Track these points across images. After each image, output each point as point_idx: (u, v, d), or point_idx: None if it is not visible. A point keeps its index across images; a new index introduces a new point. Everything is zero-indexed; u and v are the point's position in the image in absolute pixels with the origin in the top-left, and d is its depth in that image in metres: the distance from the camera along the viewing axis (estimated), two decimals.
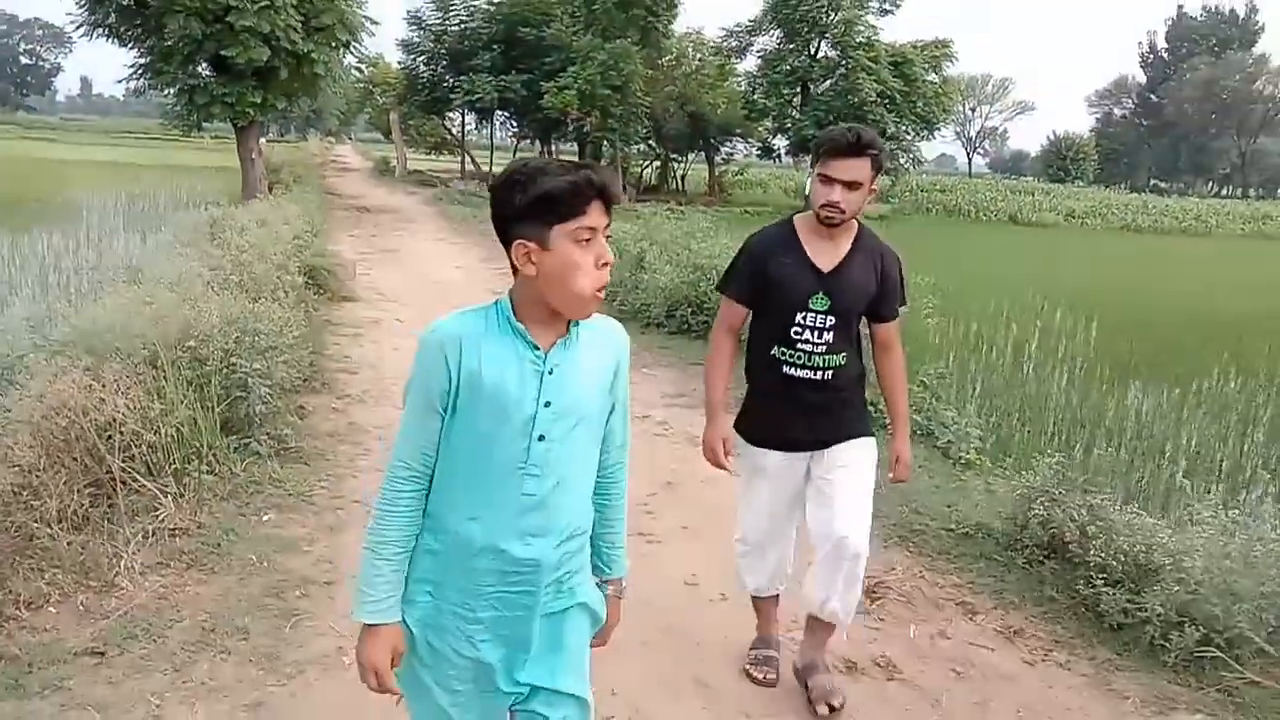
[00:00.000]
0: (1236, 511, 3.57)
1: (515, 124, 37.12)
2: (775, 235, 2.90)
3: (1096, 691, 3.15)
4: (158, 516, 3.83)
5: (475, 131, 40.73)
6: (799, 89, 33.42)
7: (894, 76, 30.75)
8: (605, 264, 1.68)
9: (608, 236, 1.70)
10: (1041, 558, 3.92)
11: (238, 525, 3.98)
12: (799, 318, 2.78)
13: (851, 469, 2.85)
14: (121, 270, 8.23)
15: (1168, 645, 3.23)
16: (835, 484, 2.83)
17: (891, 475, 2.98)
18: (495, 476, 1.70)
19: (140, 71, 19.07)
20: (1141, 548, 3.46)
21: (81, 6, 18.30)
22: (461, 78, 32.85)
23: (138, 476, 3.99)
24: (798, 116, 32.66)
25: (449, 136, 40.52)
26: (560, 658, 1.81)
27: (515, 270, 1.70)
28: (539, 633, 1.78)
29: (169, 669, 2.96)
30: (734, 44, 34.85)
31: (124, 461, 3.95)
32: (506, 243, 1.68)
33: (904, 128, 32.99)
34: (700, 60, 36.15)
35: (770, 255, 2.84)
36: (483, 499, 1.71)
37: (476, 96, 32.09)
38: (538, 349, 1.70)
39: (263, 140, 23.48)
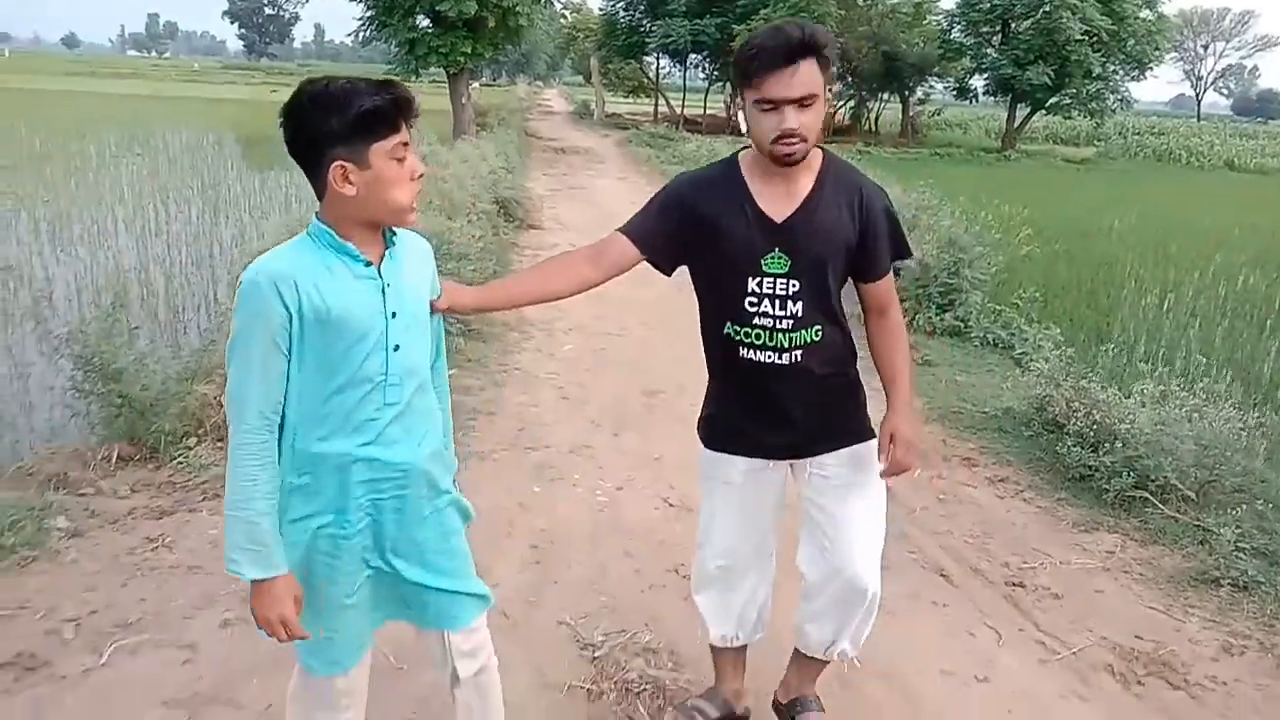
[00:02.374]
0: (1178, 387, 4.38)
1: (709, 66, 37.89)
2: (712, 175, 2.21)
3: (1043, 517, 4.10)
4: None
5: (671, 74, 41.85)
6: (999, 27, 32.56)
7: (1101, 14, 29.41)
8: (418, 175, 1.73)
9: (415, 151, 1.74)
10: (1044, 431, 4.81)
11: None
12: (751, 284, 2.11)
13: (850, 491, 2.26)
14: None
15: (1108, 489, 4.13)
16: (833, 516, 2.26)
17: (884, 463, 2.19)
18: (357, 395, 1.73)
19: (367, 24, 21.38)
20: (1107, 418, 4.32)
21: None
22: (658, 22, 34.05)
23: None
24: (996, 55, 31.94)
25: (645, 80, 41.90)
26: (449, 561, 1.90)
27: (321, 194, 1.69)
28: (428, 537, 1.87)
29: None
30: None
31: None
32: (318, 164, 1.65)
33: (1112, 67, 31.59)
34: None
35: (700, 199, 2.15)
36: (346, 418, 1.73)
37: (671, 40, 33.19)
38: (369, 264, 1.73)
39: (474, 85, 25.62)
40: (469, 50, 20.18)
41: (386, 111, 1.64)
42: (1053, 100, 31.98)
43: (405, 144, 1.68)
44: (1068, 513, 4.13)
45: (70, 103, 30.51)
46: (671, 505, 4.04)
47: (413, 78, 23.13)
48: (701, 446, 2.37)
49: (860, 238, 2.12)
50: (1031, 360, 6.50)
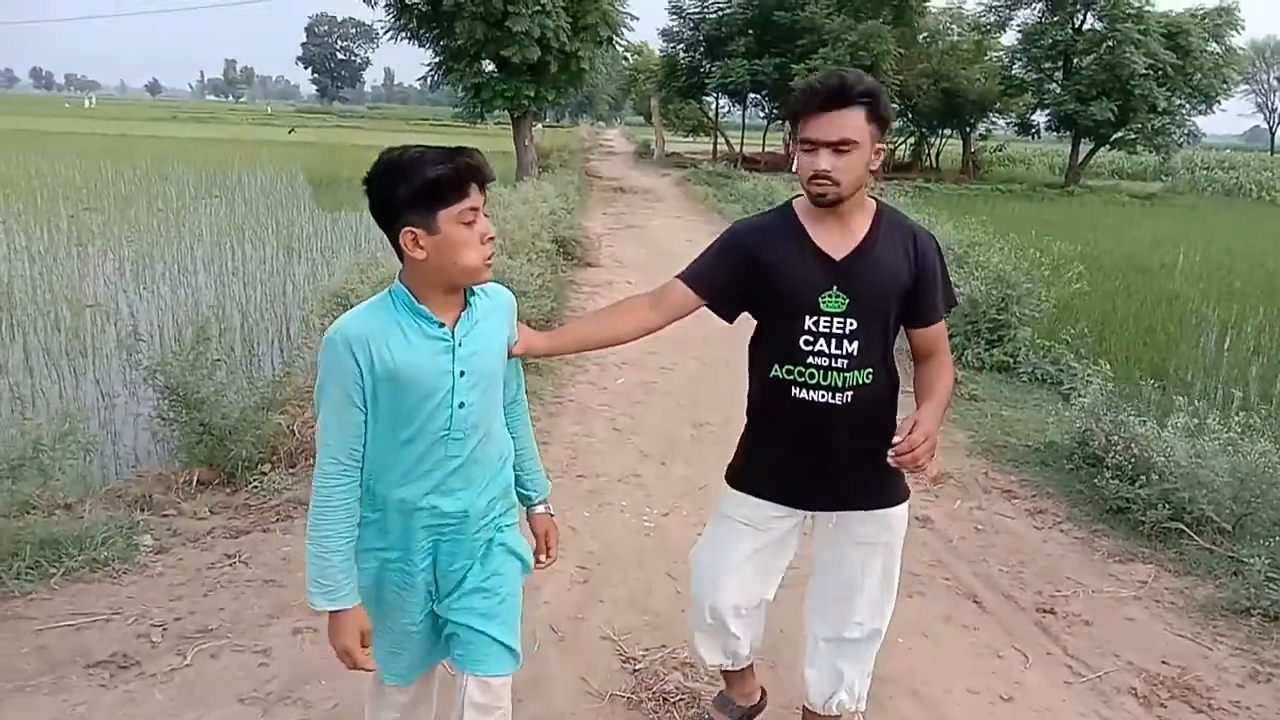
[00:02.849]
0: (1214, 422, 4.43)
1: (767, 105, 38.21)
2: (769, 220, 2.27)
3: (1079, 547, 4.18)
4: None
5: (730, 112, 42.26)
6: (1061, 62, 32.38)
7: (1167, 48, 29.07)
8: (489, 238, 1.80)
9: (486, 214, 1.81)
10: (1084, 464, 4.88)
11: None
12: (808, 323, 2.12)
13: (873, 553, 2.30)
14: None
15: (1144, 520, 4.20)
16: (852, 575, 2.31)
17: (894, 446, 1.98)
18: (422, 446, 1.85)
19: (435, 69, 22.10)
20: (1145, 451, 4.40)
21: (390, 13, 21.59)
22: (717, 63, 34.55)
23: None
24: (1058, 91, 31.70)
25: (705, 119, 42.42)
26: (489, 602, 1.96)
27: (402, 256, 1.78)
28: (470, 573, 1.96)
29: None
30: (993, 18, 34.11)
31: None
32: (392, 230, 1.76)
33: (1178, 102, 31.17)
34: (958, 35, 35.70)
35: (761, 243, 2.20)
36: (413, 467, 1.86)
37: (730, 80, 33.62)
38: (442, 325, 1.83)
39: (537, 126, 26.26)
40: (533, 94, 20.71)
41: (452, 179, 1.72)
42: (1117, 135, 31.61)
43: (474, 208, 1.76)
44: (1103, 544, 4.20)
45: (152, 147, 31.91)
46: None
47: (478, 121, 23.88)
48: (726, 487, 2.39)
49: (915, 282, 2.15)
50: (1079, 396, 6.60)
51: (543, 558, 2.19)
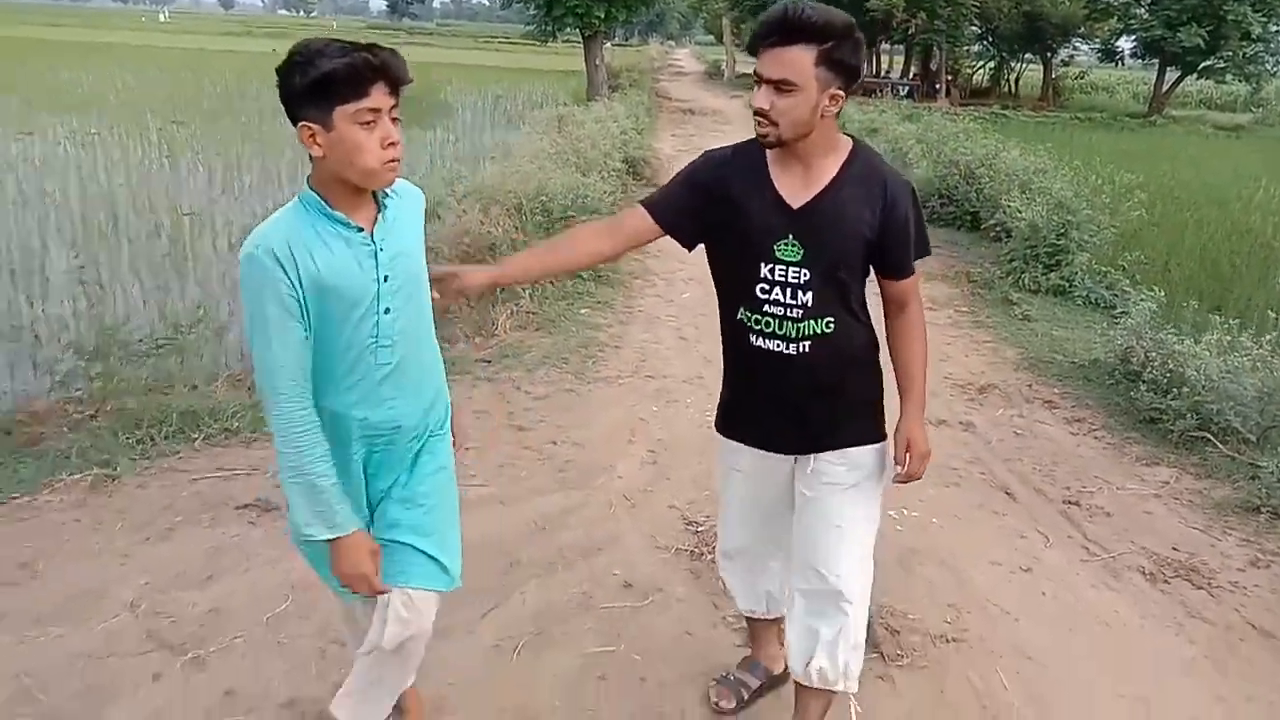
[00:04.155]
0: (1247, 339, 4.70)
1: None
2: (734, 154, 2.14)
3: (1110, 451, 4.52)
4: (519, 304, 6.07)
5: None
6: None
7: None
8: (391, 143, 1.71)
9: (395, 119, 1.72)
10: (1124, 380, 5.17)
11: (565, 313, 6.17)
12: (764, 270, 2.05)
13: (846, 494, 2.17)
14: (494, 150, 10.89)
15: (1174, 429, 4.51)
16: (824, 517, 2.18)
17: (899, 470, 2.14)
18: (352, 355, 1.81)
19: None
20: (1180, 366, 4.68)
21: None
22: None
23: None
24: (1145, 15, 30.56)
25: None
26: (414, 513, 1.95)
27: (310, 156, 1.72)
28: (397, 484, 1.95)
29: (521, 376, 5.13)
30: None
31: None
32: (293, 123, 1.69)
33: (1274, 28, 29.87)
34: None
35: (725, 178, 2.09)
36: (342, 378, 1.82)
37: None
38: (361, 229, 1.77)
39: (607, 45, 26.23)
40: (604, 14, 20.79)
41: (348, 75, 1.63)
42: (1205, 64, 30.48)
43: (375, 109, 1.67)
44: (1133, 449, 4.53)
45: (229, 62, 32.53)
46: None
47: (549, 40, 23.99)
48: (716, 434, 2.37)
49: (880, 234, 2.02)
50: (1127, 317, 6.82)
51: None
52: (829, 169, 2.02)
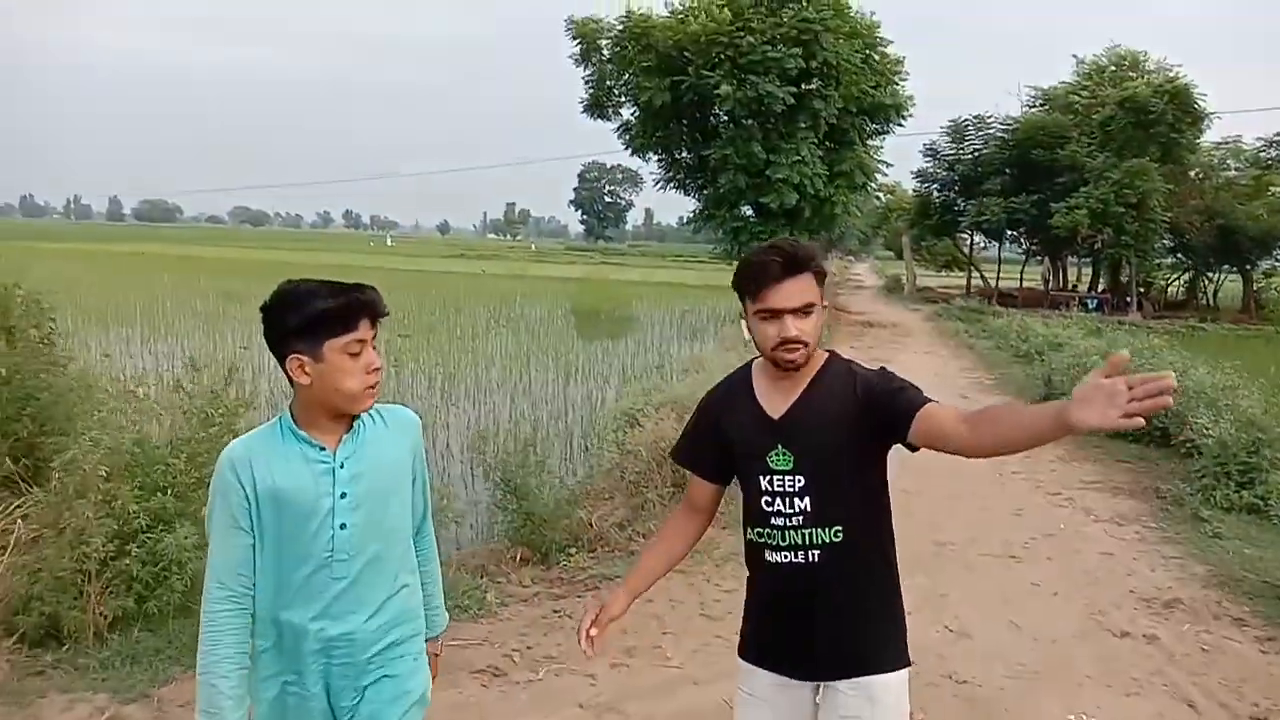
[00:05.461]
0: None
1: (1024, 241, 37.77)
2: (728, 384, 2.28)
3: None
4: None
5: (985, 248, 41.99)
6: None
7: None
8: (374, 369, 1.88)
9: (374, 347, 1.90)
10: None
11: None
12: (763, 483, 2.14)
13: None
14: (686, 362, 11.76)
15: None
16: None
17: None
18: (307, 568, 1.89)
19: (698, 215, 24.15)
20: None
21: (660, 166, 23.94)
22: (971, 201, 34.82)
23: None
24: None
25: (959, 254, 42.40)
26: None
27: (293, 382, 1.86)
28: (368, 698, 1.99)
29: (710, 570, 5.55)
30: (1274, 153, 32.42)
31: None
32: (281, 357, 1.84)
33: None
34: (1235, 171, 34.13)
35: (724, 409, 2.25)
36: (300, 589, 1.90)
37: (985, 218, 33.70)
38: (323, 449, 1.90)
39: None
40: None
41: (341, 313, 1.83)
42: None
43: (362, 340, 1.86)
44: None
45: (447, 282, 36.11)
46: (951, 630, 4.85)
47: (734, 261, 25.55)
48: (737, 658, 2.34)
49: (866, 407, 2.07)
50: None
51: None
52: (804, 380, 2.14)
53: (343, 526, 1.90)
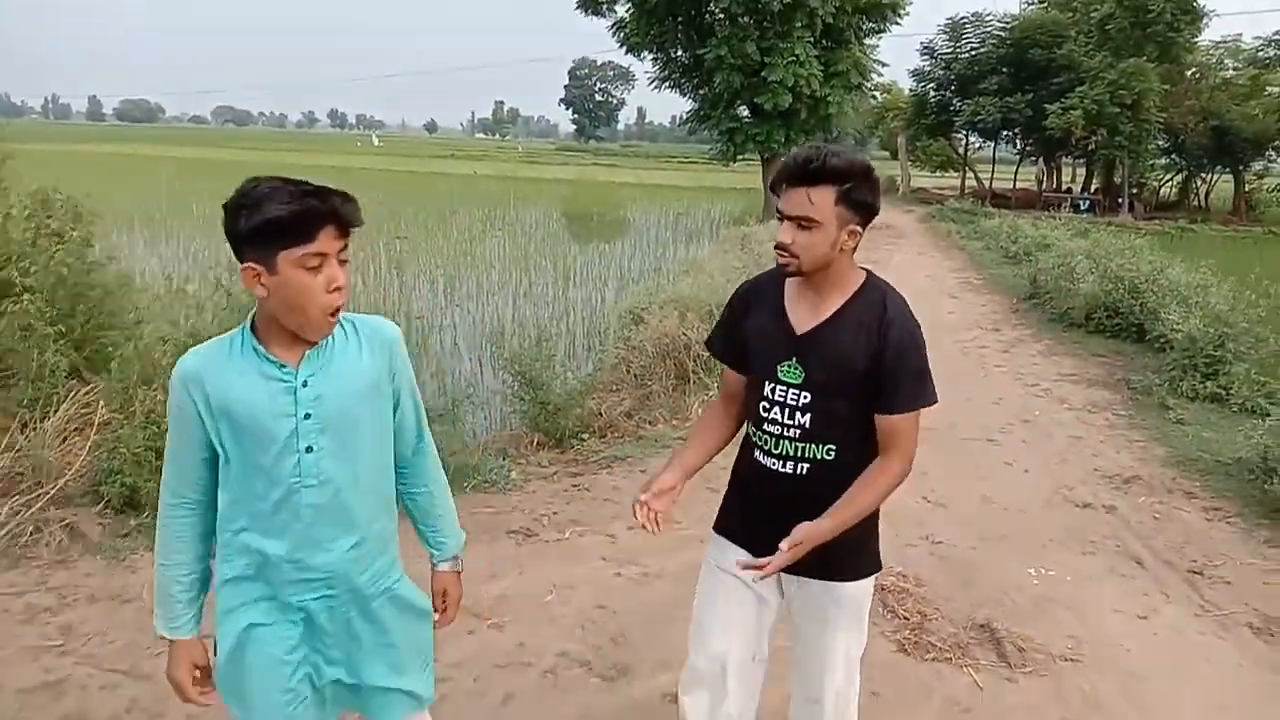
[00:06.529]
0: None
1: (1019, 142, 37.78)
2: (760, 283, 2.30)
3: (1241, 535, 5.02)
4: (708, 391, 7.09)
5: (980, 148, 41.95)
6: None
7: None
8: (336, 289, 1.68)
9: (343, 261, 1.69)
10: (1265, 475, 5.63)
11: None
12: (767, 389, 2.18)
13: (826, 628, 2.28)
14: (684, 265, 12.14)
15: None
16: (810, 646, 2.33)
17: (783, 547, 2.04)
18: (276, 493, 1.75)
19: (692, 115, 24.18)
20: None
21: (655, 65, 23.87)
22: (967, 101, 34.74)
23: (699, 372, 7.32)
24: None
25: (954, 155, 42.39)
26: (388, 654, 1.92)
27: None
28: (360, 635, 1.89)
29: None
30: (1273, 53, 32.26)
31: (694, 363, 7.30)
32: (240, 262, 1.66)
33: None
34: (1233, 71, 33.99)
35: (751, 305, 2.27)
36: (270, 516, 1.76)
37: (981, 118, 33.69)
38: (284, 366, 1.73)
39: None
40: (783, 138, 22.30)
41: (294, 221, 1.62)
42: None
43: (321, 254, 1.65)
44: (1262, 533, 5.04)
45: (439, 184, 36.08)
46: (929, 501, 5.39)
47: (730, 163, 25.69)
48: (712, 533, 2.41)
49: (873, 366, 2.08)
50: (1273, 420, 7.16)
51: (437, 617, 2.09)
52: (836, 301, 2.13)
53: (309, 450, 1.76)
